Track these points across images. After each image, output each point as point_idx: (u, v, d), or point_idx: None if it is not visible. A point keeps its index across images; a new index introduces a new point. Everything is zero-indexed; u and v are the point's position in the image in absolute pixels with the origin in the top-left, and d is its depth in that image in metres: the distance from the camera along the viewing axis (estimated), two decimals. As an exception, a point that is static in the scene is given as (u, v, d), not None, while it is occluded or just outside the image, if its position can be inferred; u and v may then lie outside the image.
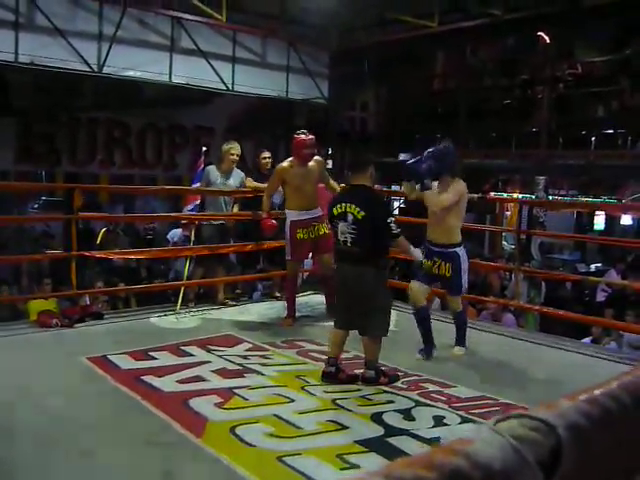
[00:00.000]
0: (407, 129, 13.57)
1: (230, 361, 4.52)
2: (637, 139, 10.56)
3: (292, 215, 5.67)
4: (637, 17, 9.57)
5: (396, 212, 10.51)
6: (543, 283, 9.05)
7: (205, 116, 11.99)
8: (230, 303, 6.44)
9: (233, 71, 10.38)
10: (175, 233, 8.59)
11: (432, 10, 10.01)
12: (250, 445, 3.18)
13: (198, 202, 6.49)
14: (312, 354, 4.81)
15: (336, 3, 9.86)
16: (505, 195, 13.49)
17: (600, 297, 9.34)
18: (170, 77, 9.71)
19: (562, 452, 0.57)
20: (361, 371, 4.24)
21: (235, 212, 6.55)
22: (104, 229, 10.42)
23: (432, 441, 3.30)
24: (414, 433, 3.40)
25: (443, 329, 5.16)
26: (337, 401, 3.86)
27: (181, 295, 6.18)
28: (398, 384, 4.19)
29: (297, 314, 5.88)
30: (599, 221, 15.40)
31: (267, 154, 6.89)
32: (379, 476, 0.47)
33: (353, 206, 4.13)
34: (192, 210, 6.53)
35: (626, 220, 14.59)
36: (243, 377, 4.21)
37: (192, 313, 6.01)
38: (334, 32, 11.43)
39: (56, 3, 8.60)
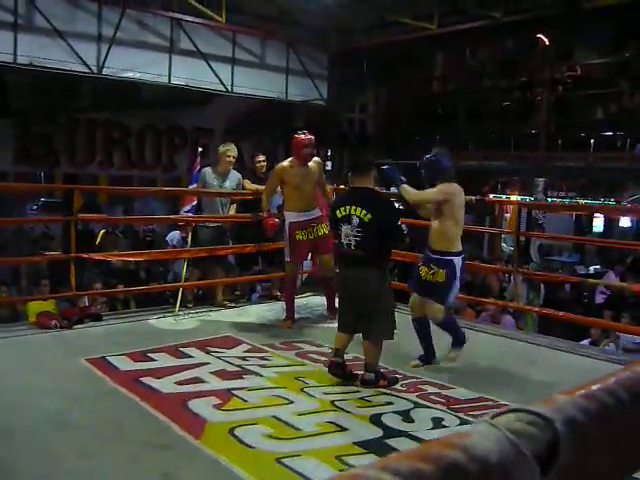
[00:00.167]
0: (406, 131, 13.58)
1: (229, 362, 4.51)
2: (636, 141, 10.56)
3: (291, 216, 5.66)
4: (636, 19, 9.58)
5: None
6: (542, 285, 9.05)
7: (204, 117, 12.00)
8: (229, 305, 6.43)
9: (232, 72, 10.38)
10: (174, 235, 8.56)
11: (431, 12, 10.02)
12: (249, 446, 3.18)
13: (195, 203, 6.45)
14: (311, 355, 4.80)
15: (335, 5, 9.87)
16: (504, 197, 13.51)
17: (599, 299, 9.35)
18: (169, 78, 9.71)
19: (559, 446, 0.57)
20: (361, 373, 4.22)
21: (232, 214, 6.54)
22: (103, 231, 10.43)
23: (431, 442, 3.29)
24: (413, 435, 3.40)
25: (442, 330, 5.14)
26: (336, 402, 3.86)
27: (179, 297, 6.17)
28: (397, 386, 4.19)
29: (296, 316, 5.86)
30: (598, 223, 15.42)
31: (262, 157, 6.89)
32: (375, 469, 0.47)
33: (359, 209, 4.08)
34: (189, 211, 6.47)
35: (625, 222, 14.61)
36: (242, 378, 4.20)
37: (191, 315, 6.00)
38: (333, 34, 11.44)
39: (55, 4, 8.60)
